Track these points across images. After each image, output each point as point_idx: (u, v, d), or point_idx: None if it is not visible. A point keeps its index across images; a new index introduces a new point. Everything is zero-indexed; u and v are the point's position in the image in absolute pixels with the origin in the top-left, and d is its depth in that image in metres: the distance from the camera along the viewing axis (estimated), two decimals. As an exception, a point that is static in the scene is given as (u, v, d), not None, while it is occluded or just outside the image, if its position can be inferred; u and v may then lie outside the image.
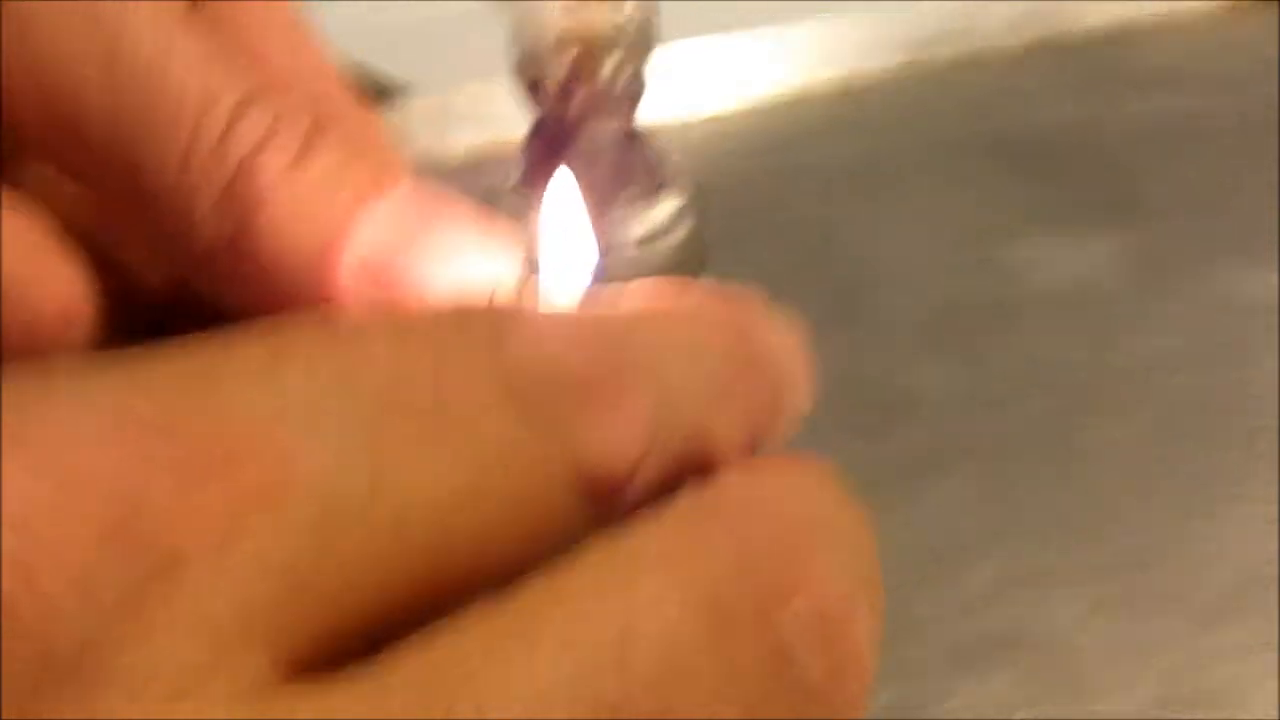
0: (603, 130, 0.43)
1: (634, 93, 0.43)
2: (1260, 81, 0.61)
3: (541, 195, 0.40)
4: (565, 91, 0.43)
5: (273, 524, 0.15)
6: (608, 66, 0.43)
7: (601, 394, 0.17)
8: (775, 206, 0.54)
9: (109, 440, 0.14)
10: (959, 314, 0.46)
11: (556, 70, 0.43)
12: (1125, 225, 0.51)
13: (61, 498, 0.14)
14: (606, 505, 0.18)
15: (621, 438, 0.17)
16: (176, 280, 0.26)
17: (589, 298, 0.22)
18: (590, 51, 0.43)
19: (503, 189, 0.46)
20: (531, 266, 0.22)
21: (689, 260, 0.46)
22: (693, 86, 0.61)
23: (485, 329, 0.17)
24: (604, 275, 0.23)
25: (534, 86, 0.43)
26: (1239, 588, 0.35)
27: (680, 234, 0.45)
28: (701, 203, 0.46)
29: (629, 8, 0.43)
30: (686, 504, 0.18)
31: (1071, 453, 0.40)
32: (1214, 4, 0.68)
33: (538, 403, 0.17)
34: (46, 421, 0.14)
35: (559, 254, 0.24)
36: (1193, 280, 0.47)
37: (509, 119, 0.57)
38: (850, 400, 0.43)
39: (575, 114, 0.43)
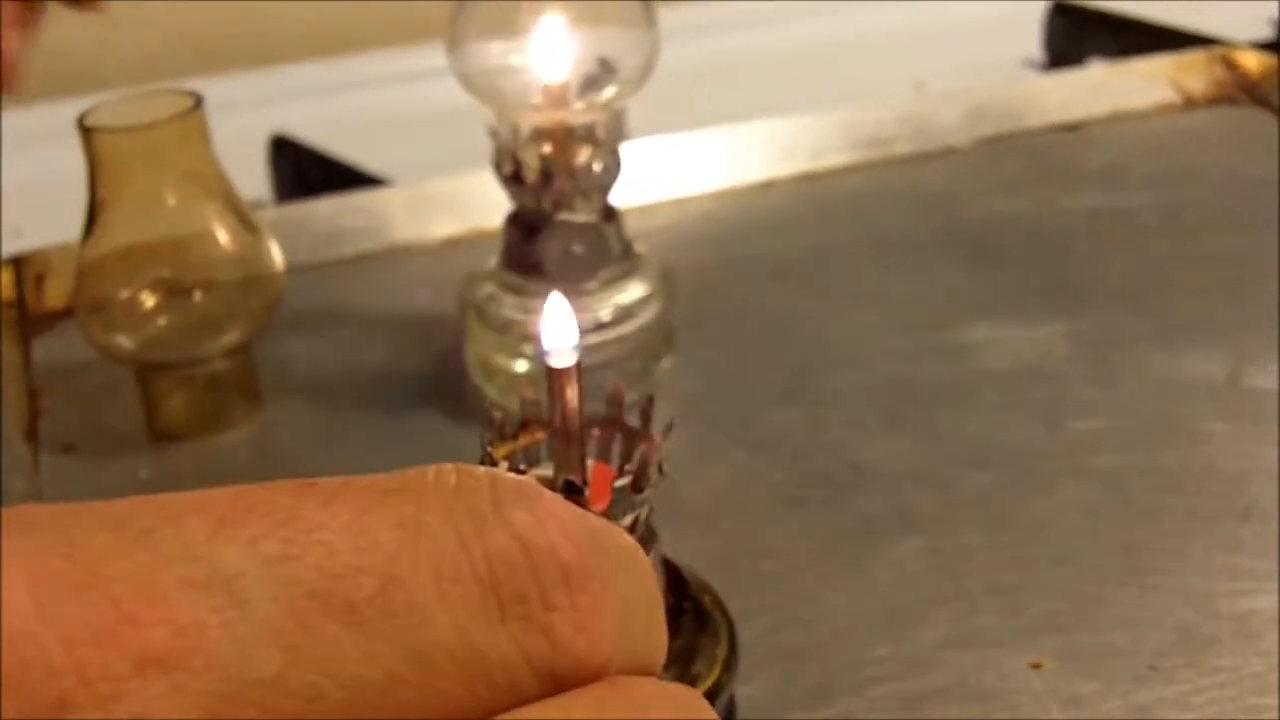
0: (576, 219, 0.46)
1: (605, 184, 0.46)
2: (1199, 179, 0.64)
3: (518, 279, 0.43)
4: (541, 183, 0.45)
5: (166, 687, 0.16)
6: (580, 159, 0.45)
7: (586, 588, 0.18)
8: (739, 290, 0.56)
9: (17, 593, 0.16)
10: (911, 393, 0.49)
11: (533, 163, 0.45)
12: (1070, 312, 0.53)
13: None
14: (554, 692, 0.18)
15: (597, 637, 0.18)
16: None
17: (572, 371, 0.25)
18: (564, 146, 0.45)
19: (479, 273, 0.48)
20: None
21: (657, 340, 0.48)
22: (661, 179, 0.64)
23: (481, 504, 0.18)
24: (583, 350, 0.27)
25: (512, 178, 0.46)
26: (1165, 649, 0.37)
27: (648, 315, 0.47)
28: (669, 286, 0.48)
29: (600, 105, 0.46)
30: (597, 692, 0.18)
31: (1008, 524, 0.42)
32: (1158, 106, 0.71)
33: (517, 594, 0.18)
34: None
35: (553, 336, 0.27)
36: (1133, 365, 0.50)
37: (483, 209, 0.60)
38: (809, 471, 0.45)
39: (550, 204, 0.46)
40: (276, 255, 0.47)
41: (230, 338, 0.47)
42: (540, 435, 0.30)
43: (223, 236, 0.46)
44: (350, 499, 0.18)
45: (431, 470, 0.19)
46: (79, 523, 0.17)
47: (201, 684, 0.16)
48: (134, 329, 0.46)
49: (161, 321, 0.46)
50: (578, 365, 0.26)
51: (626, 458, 0.30)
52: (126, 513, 0.17)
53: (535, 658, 0.18)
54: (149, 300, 0.46)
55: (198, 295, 0.46)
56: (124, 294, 0.46)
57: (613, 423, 0.30)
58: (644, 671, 0.20)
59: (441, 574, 0.17)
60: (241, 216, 0.47)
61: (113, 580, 0.16)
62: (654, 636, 0.20)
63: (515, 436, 0.30)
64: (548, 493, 0.19)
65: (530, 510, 0.18)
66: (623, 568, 0.19)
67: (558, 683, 0.18)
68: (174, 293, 0.46)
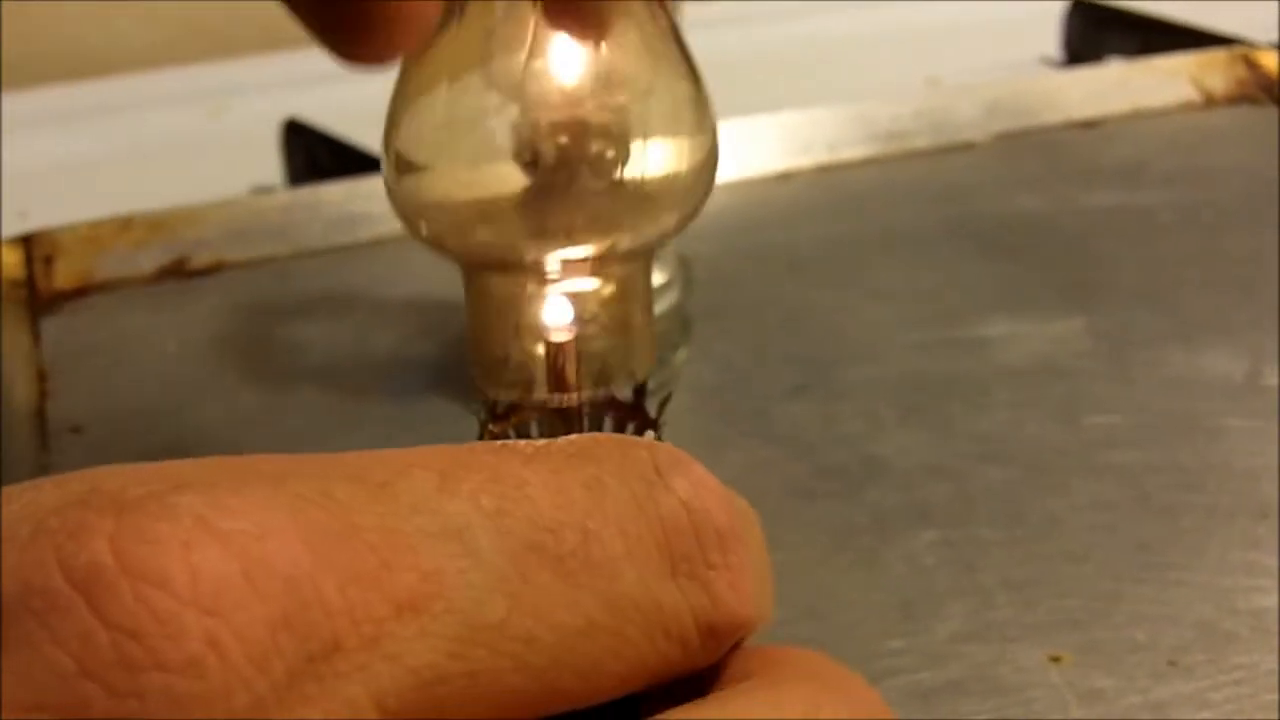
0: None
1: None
2: (1218, 178, 0.63)
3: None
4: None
5: (417, 629, 0.17)
6: (595, 150, 0.45)
7: (735, 550, 0.20)
8: (754, 282, 0.56)
9: (290, 538, 0.17)
10: (927, 387, 0.48)
11: (550, 154, 0.45)
12: (1087, 308, 0.53)
13: (247, 582, 0.16)
14: (717, 649, 0.20)
15: (745, 594, 0.20)
16: None
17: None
18: (580, 140, 0.45)
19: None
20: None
21: (674, 330, 0.48)
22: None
23: (648, 470, 0.20)
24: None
25: (529, 167, 0.45)
26: (1184, 645, 0.36)
27: (666, 304, 0.47)
28: (686, 276, 0.48)
29: (621, 96, 0.45)
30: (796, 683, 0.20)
31: (1024, 519, 0.42)
32: (1178, 104, 0.71)
33: (684, 553, 0.19)
34: (241, 514, 0.17)
35: (552, 310, 0.27)
36: (1150, 362, 0.49)
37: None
38: (823, 463, 0.44)
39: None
40: None
41: None
42: (532, 413, 0.30)
43: None
44: (544, 460, 0.19)
45: (602, 438, 0.20)
46: (324, 475, 0.18)
47: (443, 627, 0.17)
48: None
49: None
50: (575, 340, 0.26)
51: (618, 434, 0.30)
52: (359, 466, 0.19)
53: (699, 612, 0.19)
54: None
55: None
56: None
57: (604, 399, 0.30)
58: (760, 622, 0.21)
59: (626, 531, 0.19)
60: None
61: (366, 529, 0.17)
62: (768, 593, 0.22)
63: (508, 414, 0.29)
64: (695, 460, 0.20)
65: (687, 477, 0.20)
66: (749, 529, 0.21)
67: (715, 636, 0.20)
68: None
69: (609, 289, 0.35)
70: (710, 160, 0.37)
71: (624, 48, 0.37)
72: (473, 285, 0.36)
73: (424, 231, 0.37)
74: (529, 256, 0.35)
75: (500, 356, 0.33)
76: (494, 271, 0.36)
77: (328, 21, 0.28)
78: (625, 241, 0.36)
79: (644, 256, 0.35)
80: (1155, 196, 0.62)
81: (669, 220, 0.38)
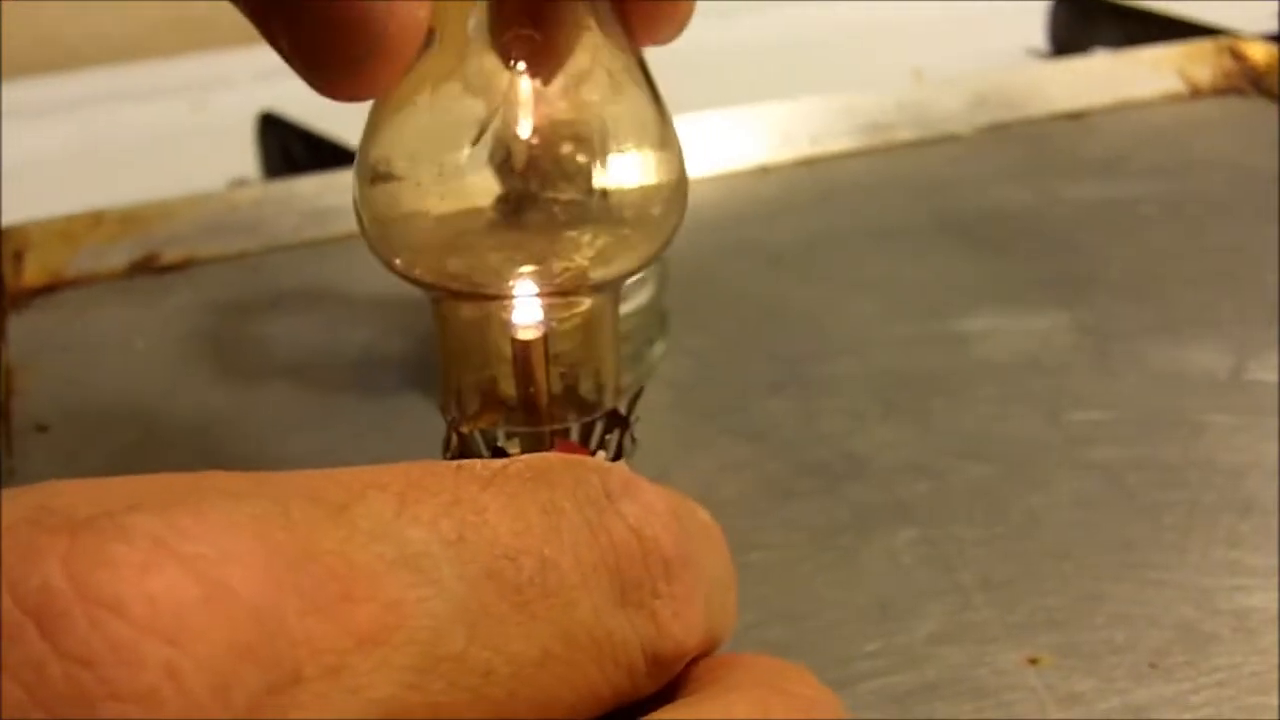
0: (561, 197, 0.44)
1: (589, 172, 0.45)
2: (1203, 170, 0.63)
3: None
4: (528, 169, 0.44)
5: (377, 661, 0.17)
6: (566, 150, 0.44)
7: (682, 578, 0.20)
8: (733, 276, 0.55)
9: (252, 563, 0.16)
10: (908, 382, 0.48)
11: (521, 151, 0.44)
12: (1071, 302, 0.52)
13: (208, 608, 0.15)
14: (662, 676, 0.20)
15: (690, 623, 0.20)
16: None
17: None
18: (550, 139, 0.44)
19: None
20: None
21: (650, 325, 0.47)
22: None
23: (598, 495, 0.19)
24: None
25: (501, 165, 0.45)
26: (1164, 646, 0.36)
27: (641, 300, 0.46)
28: (662, 271, 0.47)
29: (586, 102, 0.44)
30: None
31: (1005, 517, 0.41)
32: (1163, 95, 0.70)
33: (634, 581, 0.19)
34: (200, 537, 0.16)
35: (520, 309, 0.26)
36: (1133, 357, 0.49)
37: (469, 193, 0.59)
38: (802, 461, 0.44)
39: (536, 186, 0.44)
40: None
41: None
42: (500, 414, 0.29)
43: None
44: (501, 483, 0.19)
45: (554, 458, 0.20)
46: (282, 495, 0.17)
47: (403, 659, 0.17)
48: None
49: None
50: (544, 339, 0.26)
51: (585, 432, 0.29)
52: (315, 486, 0.18)
53: (645, 640, 0.19)
54: None
55: None
56: None
57: (568, 398, 0.29)
58: (719, 640, 0.21)
59: (581, 559, 0.19)
60: None
61: (326, 554, 0.17)
62: (730, 608, 0.22)
63: (478, 414, 0.29)
64: (643, 481, 0.20)
65: (637, 501, 0.20)
66: (705, 546, 0.21)
67: (660, 664, 0.20)
68: None
69: (575, 322, 0.34)
70: (679, 187, 0.36)
71: (584, 76, 0.36)
72: (440, 314, 0.35)
73: (395, 259, 0.35)
74: (499, 282, 0.34)
75: (468, 386, 0.32)
76: (463, 300, 0.34)
77: (312, 60, 0.27)
78: (596, 267, 0.34)
79: (613, 289, 0.34)
80: (1140, 188, 0.61)
81: (641, 247, 0.37)
